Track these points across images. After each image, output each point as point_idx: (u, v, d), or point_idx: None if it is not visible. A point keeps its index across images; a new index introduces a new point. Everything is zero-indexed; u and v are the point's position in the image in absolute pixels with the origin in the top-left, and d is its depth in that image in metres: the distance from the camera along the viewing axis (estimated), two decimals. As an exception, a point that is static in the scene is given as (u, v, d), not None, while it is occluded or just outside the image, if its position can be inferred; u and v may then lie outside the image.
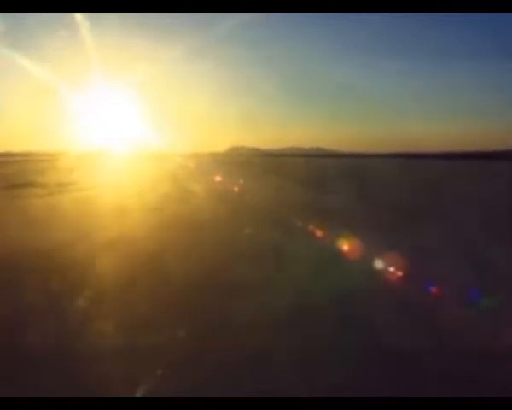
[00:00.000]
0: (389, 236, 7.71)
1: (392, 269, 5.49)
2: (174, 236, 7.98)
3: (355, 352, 3.51)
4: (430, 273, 5.18)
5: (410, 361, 3.37)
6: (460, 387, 3.02)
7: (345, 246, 6.79)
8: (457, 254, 6.57)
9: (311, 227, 8.47)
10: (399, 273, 5.37)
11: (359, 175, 32.66)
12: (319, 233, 8.07)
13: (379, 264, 5.68)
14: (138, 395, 2.87)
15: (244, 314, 4.18)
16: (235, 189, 17.63)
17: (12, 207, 12.98)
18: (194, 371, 3.22)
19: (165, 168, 33.33)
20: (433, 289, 4.74)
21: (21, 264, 6.02)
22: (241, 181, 21.53)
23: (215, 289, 4.99)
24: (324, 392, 2.92)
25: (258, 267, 5.86)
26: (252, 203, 13.29)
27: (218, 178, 23.75)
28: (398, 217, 10.49)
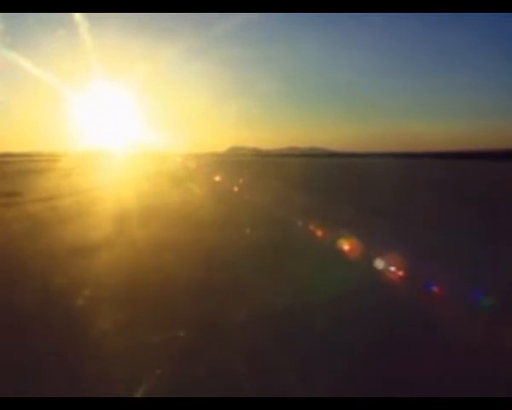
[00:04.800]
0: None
1: (392, 268, 5.54)
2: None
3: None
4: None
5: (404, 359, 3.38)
6: (460, 387, 3.02)
7: (345, 245, 6.88)
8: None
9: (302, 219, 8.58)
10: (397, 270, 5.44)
11: (354, 175, 32.83)
12: (314, 229, 8.20)
13: (367, 261, 5.88)
14: (138, 394, 2.87)
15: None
16: (235, 189, 17.76)
17: None
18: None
19: (167, 170, 33.05)
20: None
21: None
22: (241, 181, 21.72)
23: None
24: (324, 392, 2.92)
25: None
26: (251, 203, 13.33)
27: (218, 178, 23.94)
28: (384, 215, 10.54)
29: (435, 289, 4.75)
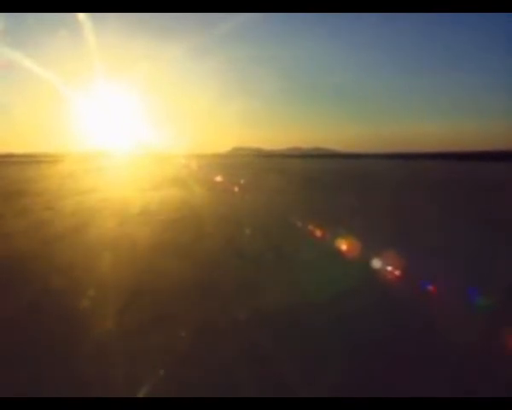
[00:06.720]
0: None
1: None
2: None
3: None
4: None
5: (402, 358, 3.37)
6: (460, 387, 3.02)
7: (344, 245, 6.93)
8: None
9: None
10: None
11: (355, 176, 32.76)
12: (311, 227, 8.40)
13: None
14: (139, 394, 2.88)
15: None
16: (236, 189, 17.90)
17: None
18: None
19: (175, 174, 32.73)
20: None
21: None
22: (242, 181, 21.90)
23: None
24: (324, 392, 2.92)
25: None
26: (251, 204, 13.37)
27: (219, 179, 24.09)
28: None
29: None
